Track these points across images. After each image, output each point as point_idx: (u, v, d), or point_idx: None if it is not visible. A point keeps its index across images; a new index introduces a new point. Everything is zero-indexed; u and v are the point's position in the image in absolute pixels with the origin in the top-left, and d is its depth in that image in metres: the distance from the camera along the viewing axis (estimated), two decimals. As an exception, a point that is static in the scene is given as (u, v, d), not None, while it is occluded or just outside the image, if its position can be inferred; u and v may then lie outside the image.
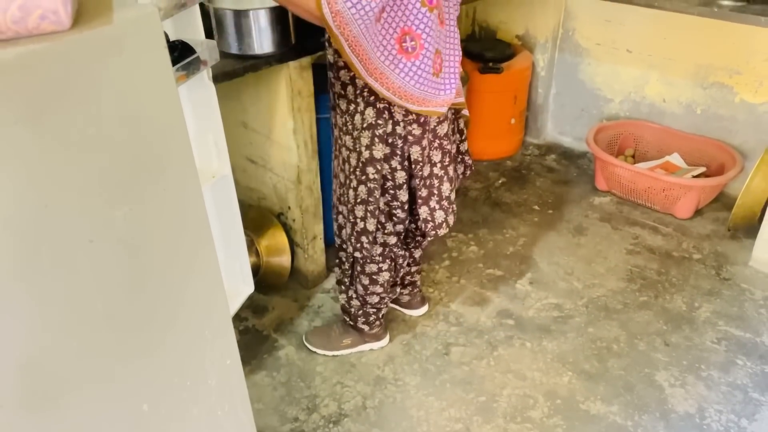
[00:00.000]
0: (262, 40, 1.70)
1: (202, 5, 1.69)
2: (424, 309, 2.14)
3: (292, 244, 2.20)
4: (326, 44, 1.61)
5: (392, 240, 1.77)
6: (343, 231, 1.81)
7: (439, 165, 1.69)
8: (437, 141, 1.67)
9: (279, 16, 1.70)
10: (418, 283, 2.11)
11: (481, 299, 2.21)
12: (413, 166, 1.64)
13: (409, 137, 1.60)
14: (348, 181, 1.71)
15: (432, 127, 1.64)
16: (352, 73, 1.56)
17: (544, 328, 2.08)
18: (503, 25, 3.08)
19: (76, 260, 0.69)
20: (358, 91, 1.58)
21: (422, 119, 1.60)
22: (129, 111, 0.68)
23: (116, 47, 0.64)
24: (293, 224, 2.17)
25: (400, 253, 1.87)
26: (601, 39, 2.88)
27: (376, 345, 2.01)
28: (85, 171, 0.66)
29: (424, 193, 1.69)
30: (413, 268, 2.05)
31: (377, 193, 1.66)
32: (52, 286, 0.68)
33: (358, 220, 1.72)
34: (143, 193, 0.72)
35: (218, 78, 1.65)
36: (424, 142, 1.63)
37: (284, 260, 2.18)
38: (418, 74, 1.50)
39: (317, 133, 2.03)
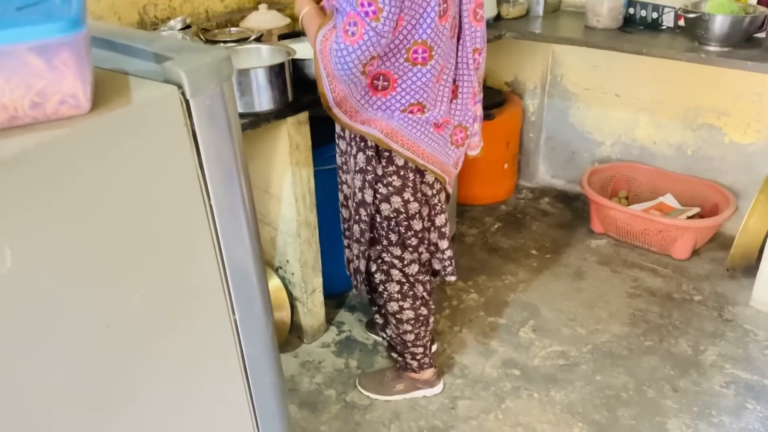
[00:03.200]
0: (262, 97, 1.70)
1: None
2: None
3: (291, 298, 2.16)
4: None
5: (413, 269, 1.75)
6: (351, 265, 1.88)
7: (426, 218, 1.71)
8: (419, 194, 1.68)
9: (277, 73, 1.70)
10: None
11: (485, 349, 2.17)
12: (397, 215, 1.66)
13: (390, 187, 1.63)
14: (349, 216, 1.79)
15: (417, 184, 1.65)
16: None
17: (551, 378, 2.04)
18: (492, 73, 3.12)
19: (93, 346, 0.66)
20: (352, 135, 1.63)
21: (402, 172, 1.62)
22: (148, 191, 0.66)
23: (135, 128, 0.62)
24: (292, 278, 2.13)
25: (423, 284, 1.81)
26: (589, 84, 2.93)
27: (429, 392, 1.97)
28: (103, 254, 0.64)
29: (413, 242, 1.71)
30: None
31: (367, 235, 1.71)
32: (65, 370, 0.65)
33: (357, 257, 1.77)
34: (160, 274, 0.70)
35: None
36: (406, 195, 1.64)
37: (284, 315, 2.14)
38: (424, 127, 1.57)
39: (315, 185, 2.02)
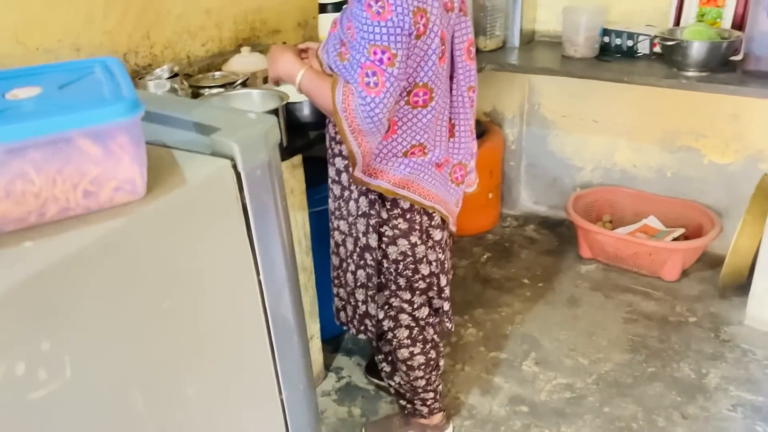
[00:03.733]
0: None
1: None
2: None
3: (289, 346, 2.08)
4: (326, 132, 1.61)
5: (423, 312, 1.70)
6: (342, 314, 1.81)
7: (434, 263, 1.67)
8: (431, 241, 1.65)
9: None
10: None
11: (490, 386, 2.13)
12: (405, 258, 1.62)
13: (396, 230, 1.59)
14: (345, 265, 1.71)
15: (424, 227, 1.62)
16: (346, 162, 1.57)
17: (560, 412, 2.01)
18: (470, 103, 3.13)
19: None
20: (351, 179, 1.59)
21: (408, 215, 1.59)
22: (200, 275, 0.60)
23: (191, 209, 0.57)
24: (289, 326, 2.06)
25: (433, 326, 1.76)
26: (567, 111, 2.96)
27: None
28: (158, 351, 0.58)
29: (422, 285, 1.67)
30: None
31: (375, 279, 1.65)
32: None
33: (360, 303, 1.71)
34: (214, 361, 0.64)
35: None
36: (413, 238, 1.61)
37: (282, 366, 2.05)
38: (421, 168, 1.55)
39: (310, 228, 1.97)
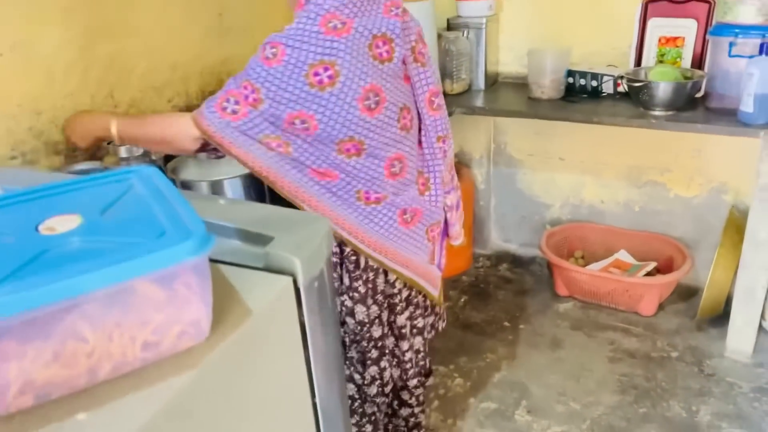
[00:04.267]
0: (240, 208, 1.56)
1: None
2: None
3: None
4: None
5: (372, 390, 1.58)
6: None
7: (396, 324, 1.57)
8: (381, 296, 1.53)
9: (254, 182, 1.57)
10: (423, 423, 1.88)
11: (485, 440, 2.06)
12: (361, 328, 1.51)
13: (356, 293, 1.48)
14: None
15: (372, 278, 1.50)
16: None
17: (559, 463, 1.96)
18: (437, 145, 3.12)
19: None
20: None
21: (365, 276, 1.47)
22: (262, 406, 0.52)
23: (256, 340, 0.49)
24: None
25: (378, 405, 1.64)
26: (533, 150, 2.98)
27: None
28: None
29: (374, 354, 1.55)
30: (416, 409, 1.80)
31: None
32: None
33: None
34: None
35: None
36: (369, 300, 1.50)
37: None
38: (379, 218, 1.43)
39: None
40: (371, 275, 1.48)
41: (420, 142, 1.50)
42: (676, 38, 2.47)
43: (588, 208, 2.96)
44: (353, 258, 1.46)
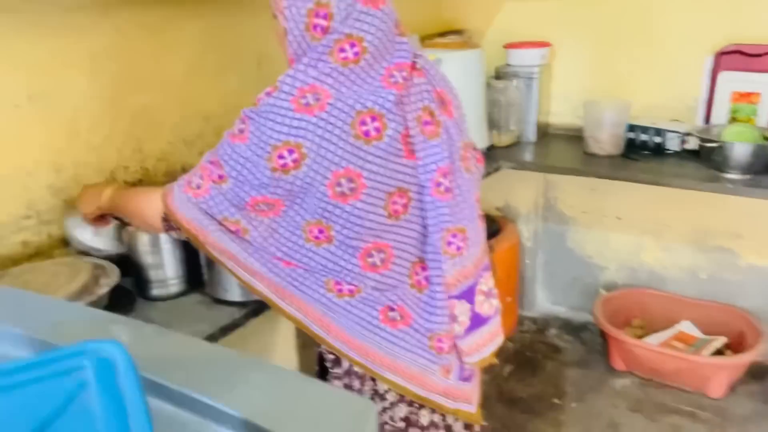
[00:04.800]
0: (268, 281, 1.39)
1: (190, 249, 1.39)
2: None
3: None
4: None
5: None
6: None
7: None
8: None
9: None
10: None
11: None
12: None
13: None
14: None
15: (358, 387, 1.26)
16: None
17: None
18: (482, 199, 2.93)
19: None
20: None
21: (346, 380, 1.26)
22: None
23: None
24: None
25: None
26: (587, 207, 2.77)
27: None
28: None
29: None
30: None
31: None
32: None
33: None
34: None
35: (215, 336, 1.31)
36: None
37: None
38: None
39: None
40: (350, 378, 1.25)
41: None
42: (750, 94, 2.25)
43: (647, 273, 2.72)
44: (331, 356, 1.25)
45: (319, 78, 1.04)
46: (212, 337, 1.30)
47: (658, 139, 2.35)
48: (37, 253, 1.50)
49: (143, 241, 1.39)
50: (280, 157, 1.04)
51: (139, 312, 1.38)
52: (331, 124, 1.04)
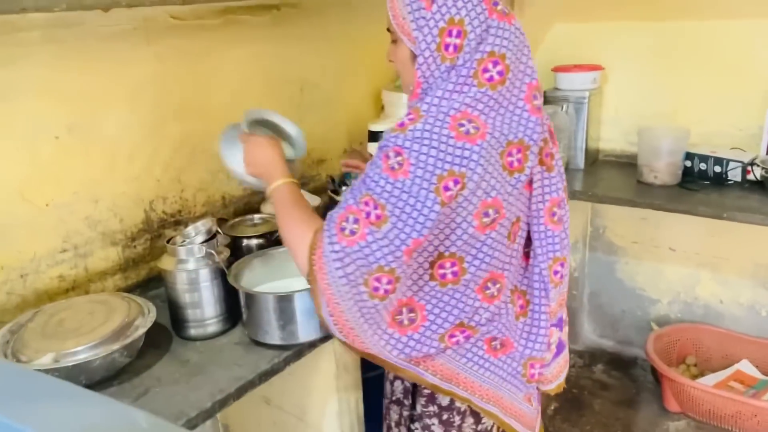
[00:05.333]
0: (308, 325, 1.32)
1: (230, 287, 1.32)
2: None
3: None
4: None
5: None
6: None
7: None
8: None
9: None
10: None
11: None
12: None
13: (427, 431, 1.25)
14: None
15: (458, 423, 1.25)
16: None
17: None
18: (526, 226, 2.83)
19: None
20: None
21: (445, 416, 1.24)
22: None
23: None
24: None
25: None
26: (638, 237, 2.64)
27: None
28: None
29: None
30: None
31: None
32: None
33: None
34: None
35: (255, 382, 1.24)
36: None
37: None
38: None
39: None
40: (450, 414, 1.24)
41: (526, 255, 1.21)
42: (820, 122, 2.11)
43: (703, 308, 2.57)
44: (425, 391, 1.23)
45: (470, 104, 1.02)
46: (252, 384, 1.23)
47: (717, 169, 2.22)
48: (74, 287, 1.47)
49: (181, 279, 1.33)
50: (446, 188, 0.99)
51: (174, 352, 1.32)
52: (489, 153, 1.02)
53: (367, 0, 2.06)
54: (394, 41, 1.13)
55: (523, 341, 1.21)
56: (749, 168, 2.15)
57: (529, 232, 1.18)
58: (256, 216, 1.70)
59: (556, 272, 1.18)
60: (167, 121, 1.59)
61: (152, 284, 1.58)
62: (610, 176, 2.44)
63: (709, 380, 2.39)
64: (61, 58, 1.36)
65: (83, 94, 1.41)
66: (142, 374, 1.24)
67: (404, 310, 1.10)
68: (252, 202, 1.85)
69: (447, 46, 1.03)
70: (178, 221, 1.66)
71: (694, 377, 2.42)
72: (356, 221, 1.02)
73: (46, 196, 1.38)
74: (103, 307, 1.29)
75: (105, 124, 1.47)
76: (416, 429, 1.27)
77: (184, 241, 1.37)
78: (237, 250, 1.53)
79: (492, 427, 1.26)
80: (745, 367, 2.44)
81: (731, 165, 2.19)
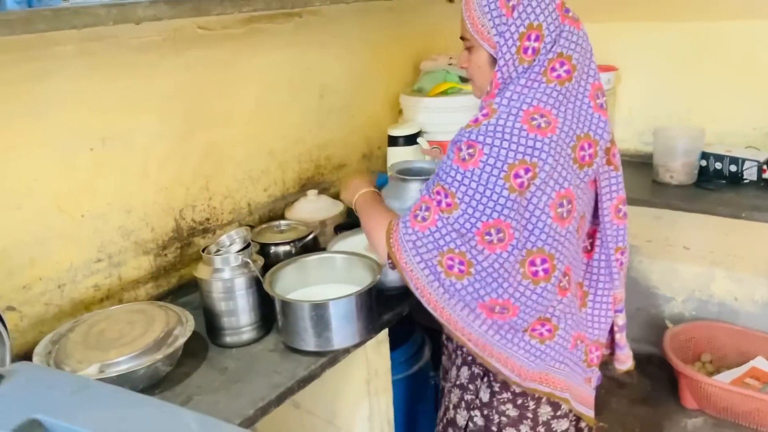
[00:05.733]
0: (344, 331, 1.34)
1: (264, 294, 1.34)
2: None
3: None
4: None
5: None
6: None
7: None
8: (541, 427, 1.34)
9: (364, 301, 1.34)
10: None
11: None
12: None
13: (503, 417, 1.31)
14: None
15: (542, 418, 1.31)
16: None
17: None
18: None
19: None
20: (457, 344, 1.36)
21: (520, 401, 1.30)
22: None
23: None
24: None
25: None
26: (652, 236, 2.66)
27: None
28: None
29: None
30: None
31: None
32: None
33: None
34: None
35: (293, 389, 1.26)
36: (523, 429, 1.31)
37: None
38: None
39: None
40: (524, 400, 1.31)
41: (588, 251, 1.32)
42: (835, 120, 2.13)
43: (718, 305, 2.59)
44: (500, 377, 1.29)
45: (541, 99, 1.11)
46: (290, 390, 1.25)
47: (733, 168, 2.24)
48: (108, 296, 1.49)
49: (217, 288, 1.35)
50: (516, 176, 1.08)
51: (211, 360, 1.34)
52: (559, 145, 1.10)
53: (384, 6, 2.07)
54: (469, 48, 1.22)
55: (589, 328, 1.32)
56: (765, 167, 2.17)
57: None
58: (282, 222, 1.72)
59: (617, 260, 1.31)
60: (195, 129, 1.61)
61: (183, 291, 1.60)
62: (624, 176, 2.45)
63: (725, 377, 2.41)
64: (94, 70, 1.37)
65: (116, 105, 1.43)
66: (182, 382, 1.26)
67: (497, 307, 1.18)
68: (276, 208, 1.87)
69: (526, 50, 1.13)
70: (206, 229, 1.68)
71: (710, 374, 2.44)
72: (428, 209, 1.13)
73: (81, 207, 1.40)
74: (142, 317, 1.31)
75: (137, 135, 1.48)
76: (476, 416, 1.33)
77: (218, 250, 1.39)
78: (265, 257, 1.54)
79: (569, 413, 1.35)
80: (761, 363, 2.46)
81: (747, 164, 2.21)
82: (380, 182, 1.68)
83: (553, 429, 1.35)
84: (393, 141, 2.05)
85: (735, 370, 2.47)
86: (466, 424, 1.36)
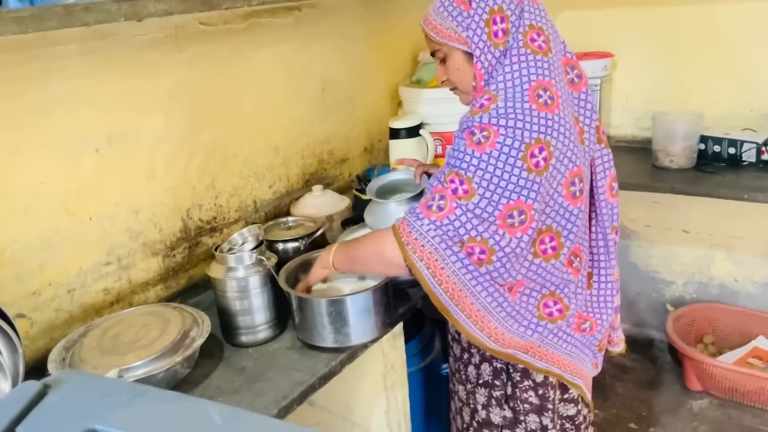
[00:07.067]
0: (363, 326, 1.33)
1: (279, 292, 1.33)
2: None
3: None
4: None
5: None
6: None
7: None
8: (557, 416, 1.36)
9: (382, 294, 1.33)
10: None
11: None
12: None
13: (526, 405, 1.32)
14: None
15: (552, 397, 1.33)
16: None
17: None
18: (539, 214, 2.85)
19: None
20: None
21: (541, 390, 1.31)
22: None
23: None
24: None
25: None
26: (651, 220, 2.67)
27: None
28: None
29: None
30: None
31: None
32: None
33: None
34: None
35: (315, 386, 1.25)
36: (545, 420, 1.33)
37: None
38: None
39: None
40: (545, 389, 1.32)
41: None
42: (832, 100, 2.15)
43: (718, 287, 2.61)
44: (520, 366, 1.30)
45: (537, 72, 1.10)
46: (312, 388, 1.24)
47: (732, 150, 2.25)
48: (118, 300, 1.46)
49: (232, 287, 1.33)
50: (532, 155, 1.06)
51: (228, 360, 1.32)
52: (566, 120, 1.10)
53: (383, -4, 2.05)
54: (442, 59, 1.21)
55: (595, 311, 1.30)
56: (763, 148, 2.18)
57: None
58: (290, 219, 1.70)
59: (615, 242, 1.30)
60: (200, 127, 1.58)
61: (192, 292, 1.58)
62: (623, 162, 2.46)
63: (728, 358, 2.44)
64: (97, 69, 1.34)
65: (120, 104, 1.40)
66: (201, 384, 1.24)
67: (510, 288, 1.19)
68: (281, 205, 1.85)
69: (496, 33, 1.12)
70: (214, 228, 1.65)
71: (712, 356, 2.47)
72: (442, 197, 1.09)
73: (89, 209, 1.37)
74: (157, 319, 1.29)
75: (142, 134, 1.46)
76: (514, 404, 1.33)
77: (231, 248, 1.37)
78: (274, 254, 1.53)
79: (577, 396, 1.38)
80: (762, 343, 2.49)
81: (745, 146, 2.22)
82: (382, 174, 1.66)
83: (567, 414, 1.38)
84: (394, 134, 2.03)
85: (737, 350, 2.49)
86: (504, 418, 1.35)
